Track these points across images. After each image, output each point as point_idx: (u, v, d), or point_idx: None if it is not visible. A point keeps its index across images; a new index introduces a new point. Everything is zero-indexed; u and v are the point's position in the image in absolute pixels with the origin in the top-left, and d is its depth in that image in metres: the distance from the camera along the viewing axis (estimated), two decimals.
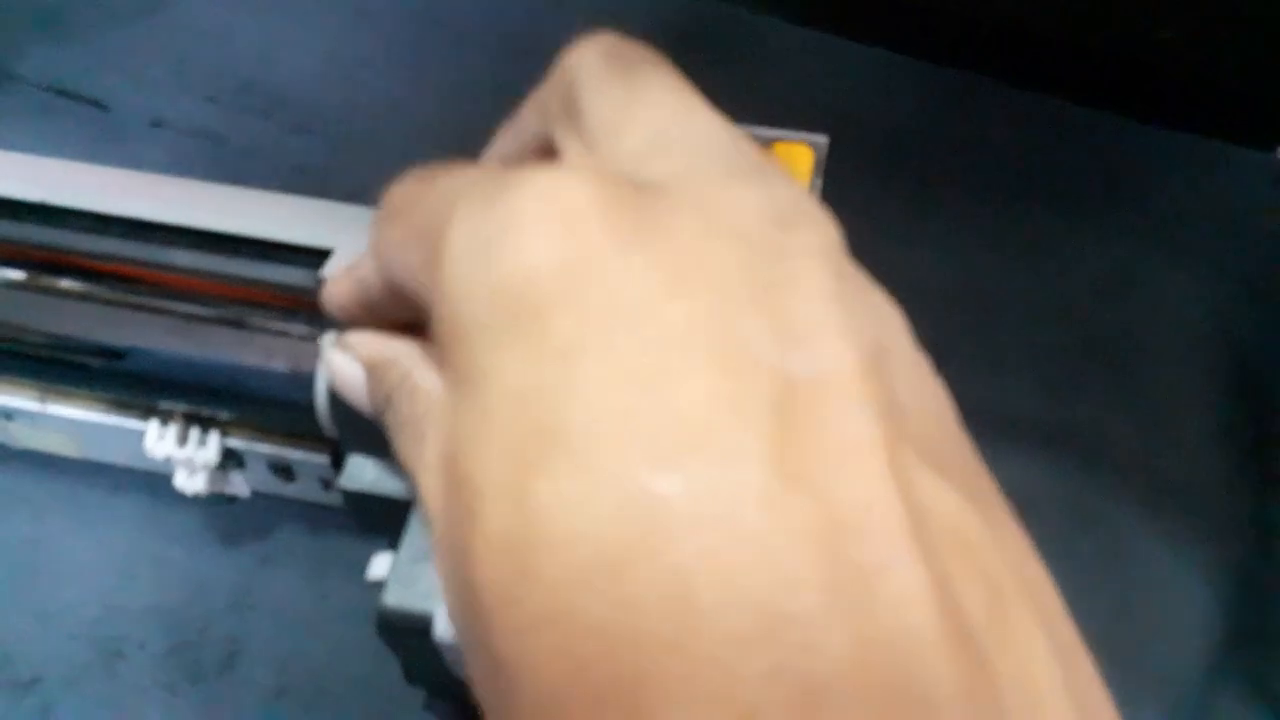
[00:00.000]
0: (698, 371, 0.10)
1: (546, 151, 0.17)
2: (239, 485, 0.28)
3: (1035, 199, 0.40)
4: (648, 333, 0.10)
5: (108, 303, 0.26)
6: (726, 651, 0.09)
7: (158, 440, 0.26)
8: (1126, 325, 0.36)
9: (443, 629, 0.21)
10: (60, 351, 0.26)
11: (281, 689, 0.27)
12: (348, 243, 0.30)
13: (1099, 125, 0.42)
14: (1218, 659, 0.28)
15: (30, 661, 0.27)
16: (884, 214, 0.39)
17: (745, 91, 0.44)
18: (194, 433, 0.26)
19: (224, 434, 0.26)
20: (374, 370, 0.16)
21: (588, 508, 0.10)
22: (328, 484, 0.27)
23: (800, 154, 0.31)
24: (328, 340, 0.24)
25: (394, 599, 0.21)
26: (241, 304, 0.25)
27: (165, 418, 0.27)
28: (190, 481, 0.27)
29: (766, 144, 0.32)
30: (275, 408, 0.25)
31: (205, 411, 0.26)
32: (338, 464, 0.26)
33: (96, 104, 0.41)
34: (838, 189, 0.34)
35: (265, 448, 0.27)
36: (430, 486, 0.13)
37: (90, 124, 0.41)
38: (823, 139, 0.31)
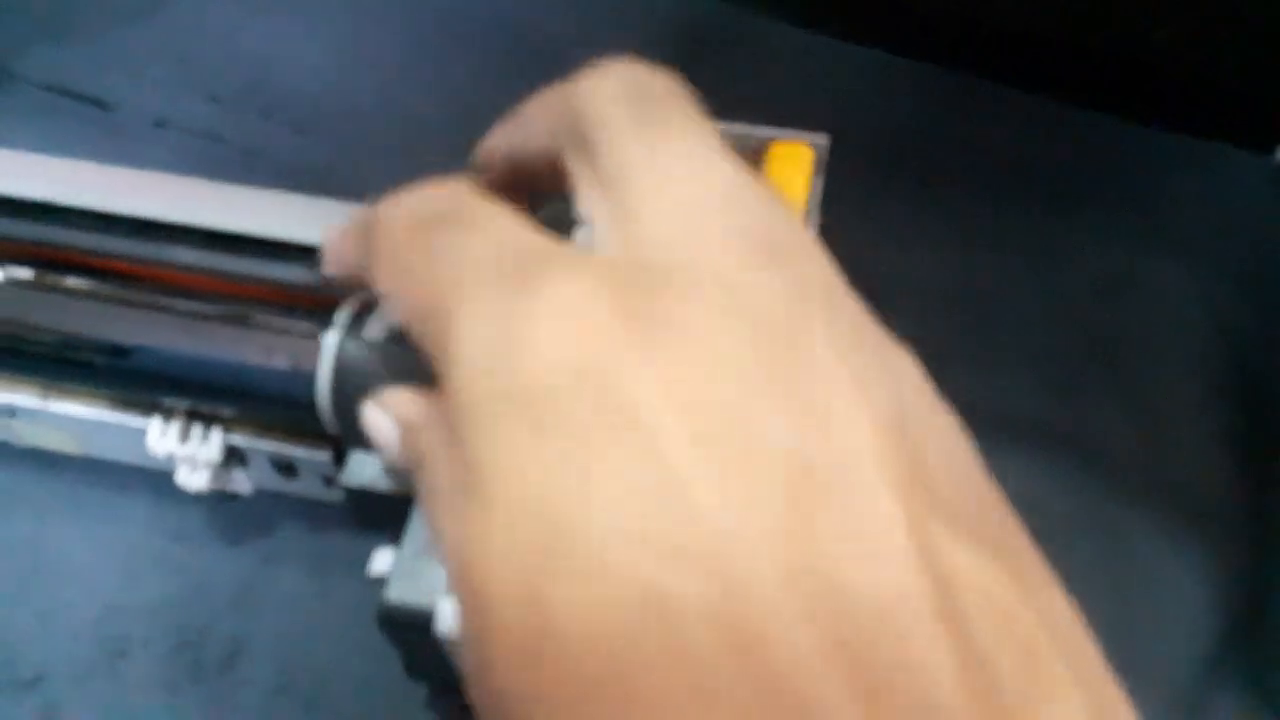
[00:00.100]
0: (711, 469, 0.10)
1: (550, 168, 0.17)
2: (241, 482, 0.28)
3: (1035, 200, 0.40)
4: (661, 436, 0.10)
5: (110, 300, 0.26)
6: None
7: (160, 437, 0.26)
8: (1126, 326, 0.36)
9: (444, 624, 0.21)
10: (62, 349, 0.26)
11: (283, 687, 0.27)
12: None
13: (1099, 127, 0.43)
14: (1217, 657, 0.28)
15: (33, 660, 0.27)
16: (884, 214, 0.39)
17: (746, 92, 0.44)
18: (196, 430, 0.26)
19: (226, 431, 0.27)
20: (408, 432, 0.16)
21: (602, 613, 0.10)
22: (329, 481, 0.27)
23: (801, 154, 0.31)
24: (328, 340, 0.24)
25: (396, 594, 0.21)
26: (243, 301, 0.26)
27: (167, 415, 0.27)
28: (192, 479, 0.27)
29: (767, 144, 0.32)
30: (277, 405, 0.25)
31: (207, 408, 0.27)
32: (340, 460, 0.26)
33: (98, 103, 0.41)
34: (838, 189, 0.34)
35: (267, 444, 0.27)
36: (449, 570, 0.13)
37: (92, 124, 0.41)
38: (823, 139, 0.31)
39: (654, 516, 0.10)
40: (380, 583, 0.22)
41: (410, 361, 0.24)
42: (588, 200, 0.15)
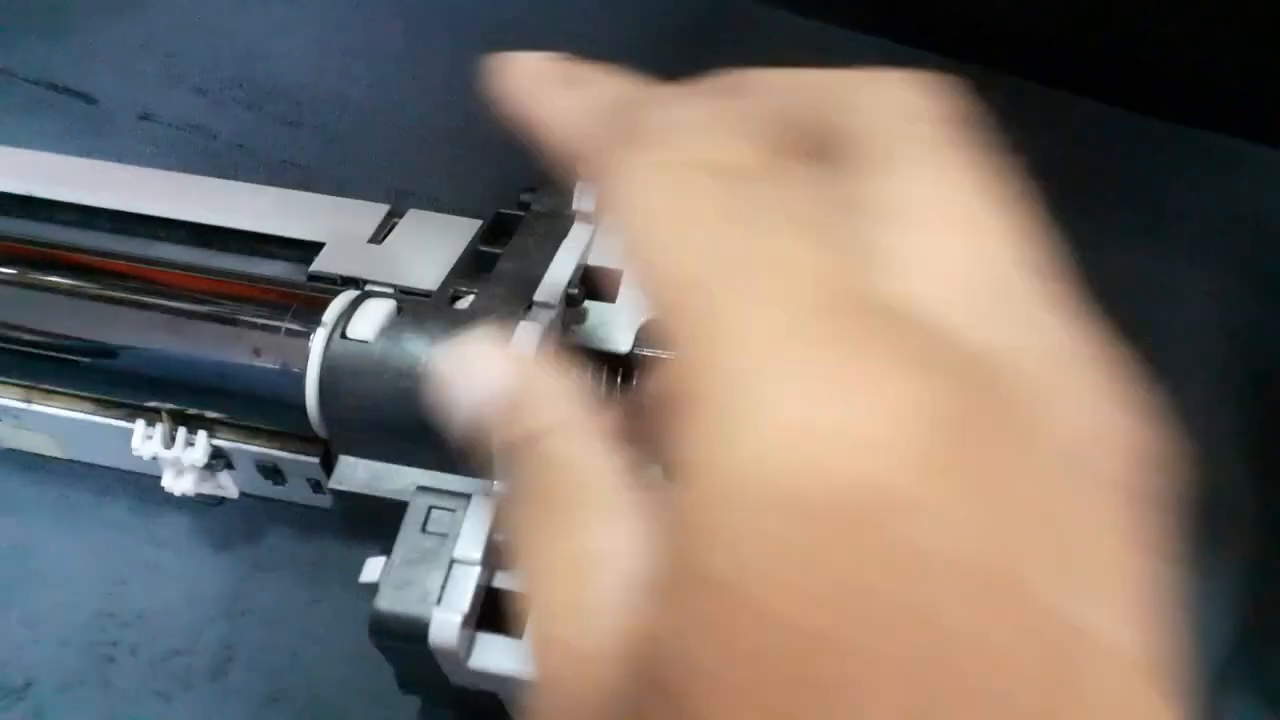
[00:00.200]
0: (972, 605, 0.09)
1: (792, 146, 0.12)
2: (228, 486, 0.27)
3: (1050, 197, 0.39)
4: (941, 573, 0.09)
5: (94, 299, 0.25)
6: None
7: (144, 440, 0.26)
8: (1142, 327, 0.35)
9: (437, 635, 0.21)
10: (46, 349, 0.25)
11: (275, 696, 0.27)
12: (339, 236, 0.29)
13: (1110, 121, 0.42)
14: (1226, 661, 0.28)
15: (22, 667, 0.27)
16: None
17: None
18: (181, 433, 0.26)
19: (212, 434, 0.26)
20: (523, 396, 0.13)
21: None
22: (318, 486, 0.27)
23: None
24: (317, 339, 0.23)
25: (386, 603, 0.21)
26: (230, 299, 0.25)
27: (152, 417, 0.26)
28: (178, 482, 0.26)
29: None
30: (264, 406, 0.25)
31: (193, 410, 0.26)
32: (328, 465, 0.26)
33: (85, 97, 0.41)
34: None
35: (254, 448, 0.26)
36: (560, 632, 0.11)
37: (78, 118, 0.40)
38: None
39: (914, 661, 0.09)
40: (372, 591, 0.21)
41: (405, 362, 0.23)
42: (836, 204, 0.11)
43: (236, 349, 0.24)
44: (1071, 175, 0.40)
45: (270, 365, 0.24)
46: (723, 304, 0.10)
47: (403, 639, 0.21)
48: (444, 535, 0.22)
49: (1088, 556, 0.10)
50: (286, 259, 0.30)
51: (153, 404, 0.26)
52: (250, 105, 0.41)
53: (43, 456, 0.30)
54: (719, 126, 0.12)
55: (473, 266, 0.28)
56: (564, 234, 0.27)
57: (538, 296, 0.25)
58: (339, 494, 0.24)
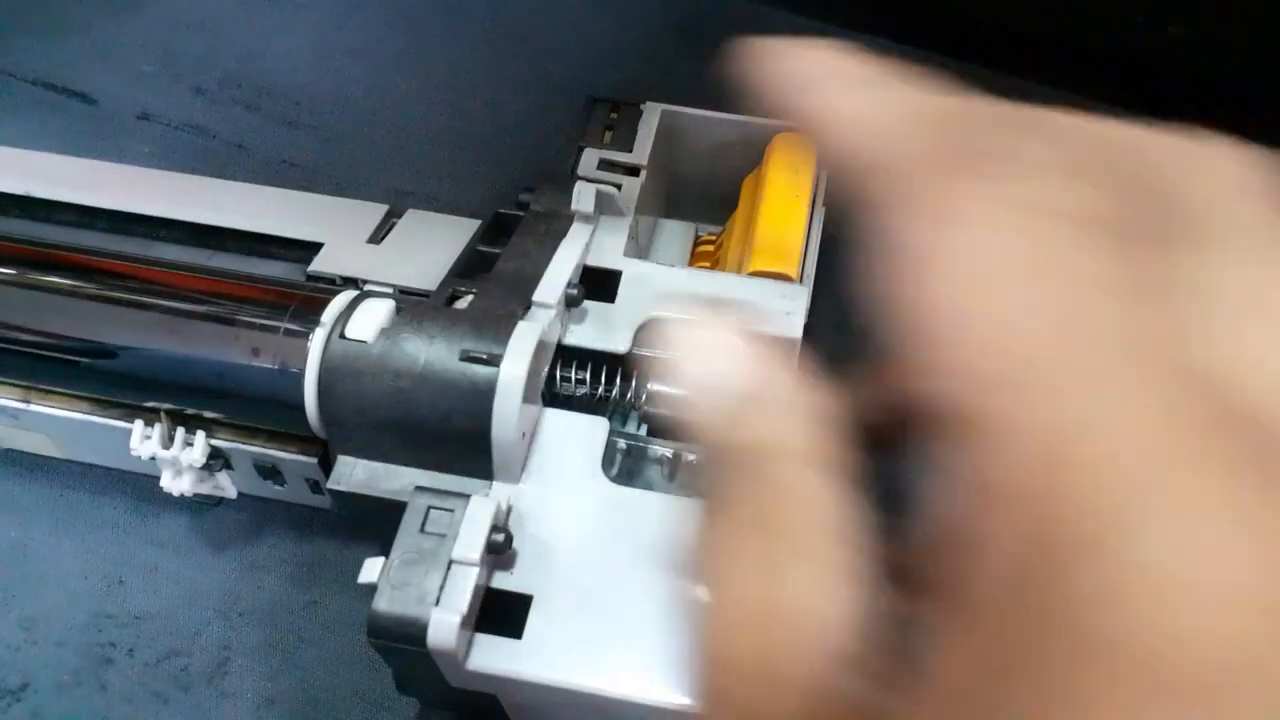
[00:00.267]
0: None
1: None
2: (226, 486, 0.27)
3: None
4: None
5: (93, 299, 0.25)
6: None
7: (143, 440, 0.26)
8: None
9: (436, 636, 0.20)
10: (45, 349, 0.25)
11: (272, 697, 0.27)
12: (338, 236, 0.29)
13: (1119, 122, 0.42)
14: None
15: (19, 668, 0.27)
16: None
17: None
18: (180, 433, 0.26)
19: (210, 434, 0.26)
20: (765, 399, 0.11)
21: None
22: (317, 486, 0.27)
23: (805, 145, 0.30)
24: (316, 339, 0.23)
25: (385, 604, 0.21)
26: (229, 299, 0.25)
27: (150, 417, 0.26)
28: (176, 483, 0.26)
29: (770, 134, 0.31)
30: (263, 406, 0.24)
31: (191, 410, 0.26)
32: (327, 465, 0.26)
33: (83, 98, 0.41)
34: (842, 184, 0.33)
35: (253, 448, 0.26)
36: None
37: (77, 118, 0.40)
38: None
39: None
40: (370, 591, 0.21)
41: (404, 362, 0.23)
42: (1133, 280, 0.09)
43: (235, 349, 0.24)
44: None
45: (269, 365, 0.24)
46: (1092, 399, 0.08)
47: (401, 640, 0.21)
48: (442, 536, 0.22)
49: None
50: (285, 259, 0.30)
51: (151, 404, 0.26)
52: (249, 105, 0.41)
53: (41, 456, 0.30)
54: (1080, 171, 0.10)
55: (472, 266, 0.27)
56: (563, 234, 0.27)
57: (537, 296, 0.25)
58: (337, 494, 0.24)
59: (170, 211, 0.30)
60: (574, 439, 0.24)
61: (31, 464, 0.30)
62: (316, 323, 0.24)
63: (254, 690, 0.27)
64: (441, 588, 0.21)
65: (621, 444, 0.25)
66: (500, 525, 0.22)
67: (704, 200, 0.33)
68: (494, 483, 0.23)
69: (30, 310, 0.25)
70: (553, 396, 0.26)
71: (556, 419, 0.25)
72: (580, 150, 0.30)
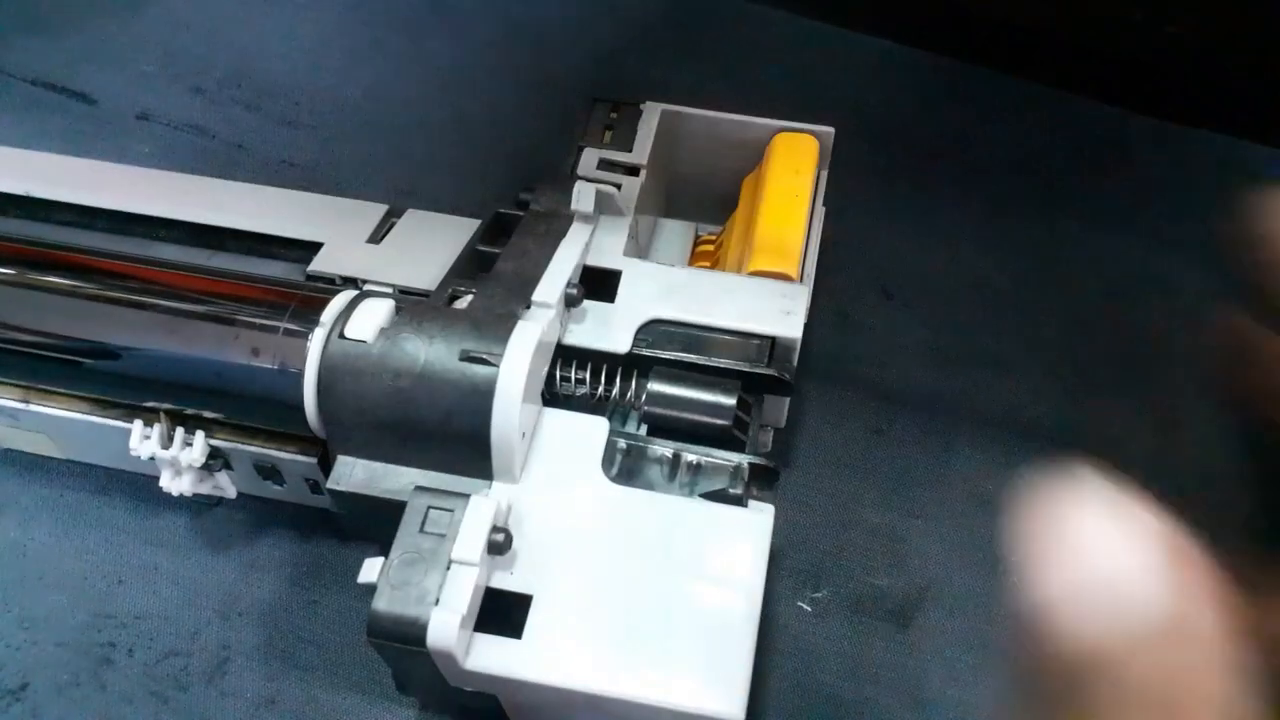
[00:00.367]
0: None
1: None
2: (225, 486, 0.27)
3: (1048, 195, 0.39)
4: None
5: (92, 299, 0.25)
6: None
7: (142, 440, 0.26)
8: (1140, 325, 0.35)
9: (435, 636, 0.20)
10: (43, 349, 0.25)
11: (272, 697, 0.27)
12: (337, 236, 0.29)
13: (1113, 121, 0.42)
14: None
15: (18, 668, 0.27)
16: (891, 209, 0.39)
17: (750, 83, 0.43)
18: (179, 433, 0.26)
19: (210, 434, 0.26)
20: None
21: None
22: (316, 486, 0.27)
23: (805, 145, 0.31)
24: (315, 339, 0.23)
25: (384, 603, 0.21)
26: (228, 299, 0.25)
27: (150, 417, 0.26)
28: (175, 483, 0.26)
29: (771, 135, 0.31)
30: (262, 406, 0.24)
31: (190, 410, 0.26)
32: (326, 465, 0.25)
33: (82, 97, 0.41)
34: (844, 182, 0.33)
35: (252, 448, 0.26)
36: None
37: (75, 117, 0.40)
38: (828, 130, 0.31)
39: None
40: (370, 591, 0.21)
41: (404, 362, 0.23)
42: None
43: (234, 349, 0.24)
44: (1071, 174, 0.40)
45: (268, 365, 0.24)
46: None
47: (400, 640, 0.21)
48: (442, 535, 0.22)
49: None
50: (285, 259, 0.30)
51: (150, 404, 0.26)
52: (249, 105, 0.41)
53: (41, 456, 0.30)
54: None
55: (471, 266, 0.27)
56: (563, 233, 0.27)
57: (537, 296, 0.25)
58: (337, 494, 0.24)
59: (170, 211, 0.30)
60: (574, 439, 0.24)
61: (31, 464, 0.30)
62: (316, 322, 0.24)
63: (254, 690, 0.27)
64: (441, 587, 0.21)
65: (621, 444, 0.25)
66: (500, 525, 0.22)
67: (704, 200, 0.33)
68: (494, 482, 0.23)
69: (30, 310, 0.25)
70: (553, 396, 0.26)
71: (556, 419, 0.25)
72: (580, 150, 0.30)
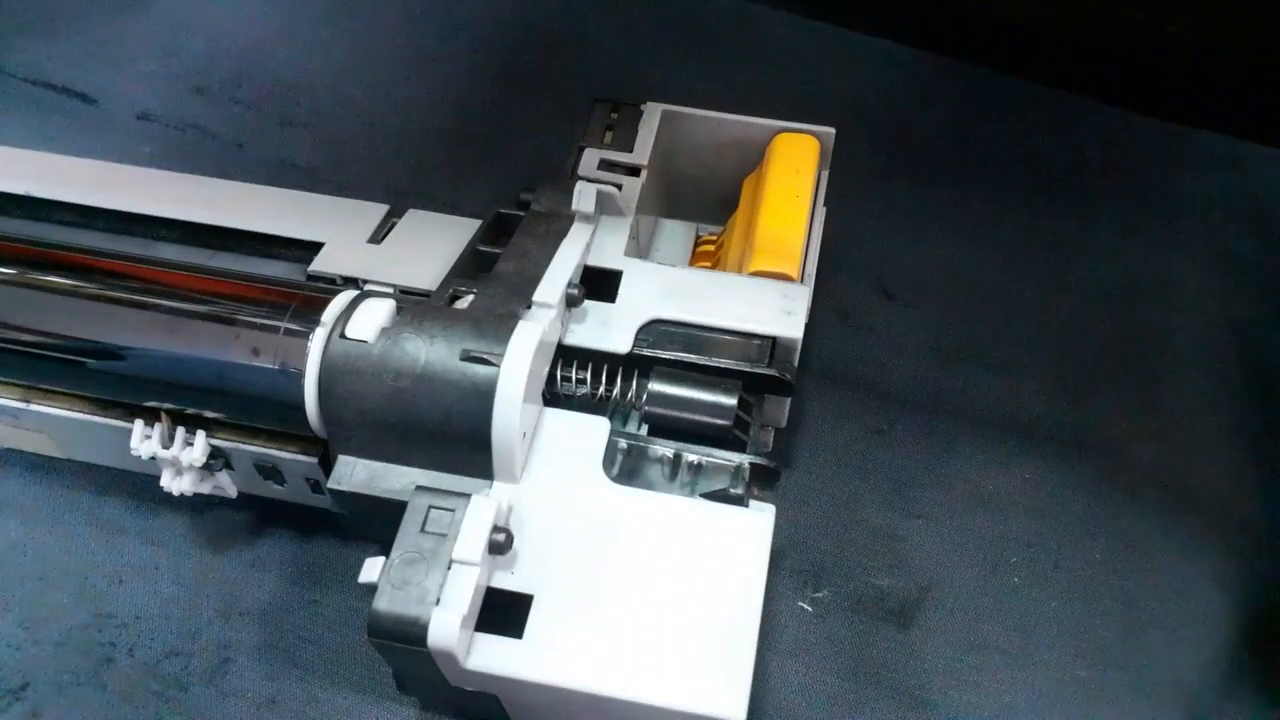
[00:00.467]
0: None
1: None
2: (226, 486, 0.27)
3: (1050, 195, 0.39)
4: None
5: (93, 299, 0.25)
6: None
7: (143, 440, 0.26)
8: (1141, 325, 0.36)
9: (436, 635, 0.21)
10: (45, 349, 0.25)
11: (272, 697, 0.27)
12: (338, 236, 0.29)
13: (1114, 121, 0.42)
14: (1233, 666, 0.28)
15: (20, 668, 0.27)
16: (892, 209, 0.39)
17: (751, 83, 0.43)
18: (180, 432, 0.26)
19: (210, 434, 0.26)
20: None
21: None
22: (317, 485, 0.27)
23: (806, 145, 0.31)
24: (316, 339, 0.23)
25: (385, 603, 0.21)
26: (229, 299, 0.25)
27: (150, 417, 0.26)
28: (176, 482, 0.26)
29: (772, 135, 0.31)
30: (263, 406, 0.24)
31: (191, 410, 0.26)
32: (327, 465, 0.25)
33: (83, 97, 0.41)
34: (844, 182, 0.33)
35: (253, 448, 0.26)
36: None
37: (77, 117, 0.40)
38: (829, 131, 0.31)
39: None
40: (371, 591, 0.21)
41: (405, 362, 0.23)
42: None
43: (235, 349, 0.24)
44: (1071, 174, 0.40)
45: (269, 365, 0.24)
46: None
47: (401, 639, 0.21)
48: (443, 535, 0.22)
49: None
50: (285, 259, 0.30)
51: (151, 404, 0.26)
52: (249, 105, 0.41)
53: (41, 456, 0.30)
54: None
55: (472, 266, 0.28)
56: (564, 234, 0.27)
57: (537, 296, 0.25)
58: (338, 494, 0.24)
59: (170, 211, 0.30)
60: (574, 439, 0.24)
61: (32, 464, 0.30)
62: (317, 322, 0.24)
63: (254, 690, 0.27)
64: (442, 587, 0.21)
65: (621, 444, 0.25)
66: (501, 525, 0.22)
67: (704, 200, 0.33)
68: (494, 482, 0.24)
69: (31, 310, 0.25)
70: (553, 396, 0.26)
71: (557, 419, 0.25)
72: (580, 150, 0.30)
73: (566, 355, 0.26)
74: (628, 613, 0.22)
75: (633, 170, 0.30)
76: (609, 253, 0.28)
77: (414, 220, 0.30)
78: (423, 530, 0.22)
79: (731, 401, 0.25)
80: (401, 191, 0.37)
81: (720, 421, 0.25)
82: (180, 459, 0.26)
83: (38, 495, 0.30)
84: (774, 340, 0.26)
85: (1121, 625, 0.28)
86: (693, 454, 0.25)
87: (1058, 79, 0.43)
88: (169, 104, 0.41)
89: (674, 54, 0.43)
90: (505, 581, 0.22)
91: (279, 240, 0.30)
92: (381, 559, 0.22)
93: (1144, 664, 0.28)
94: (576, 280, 0.26)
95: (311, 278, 0.28)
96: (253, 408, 0.25)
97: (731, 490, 0.24)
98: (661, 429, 0.25)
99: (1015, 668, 0.27)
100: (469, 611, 0.21)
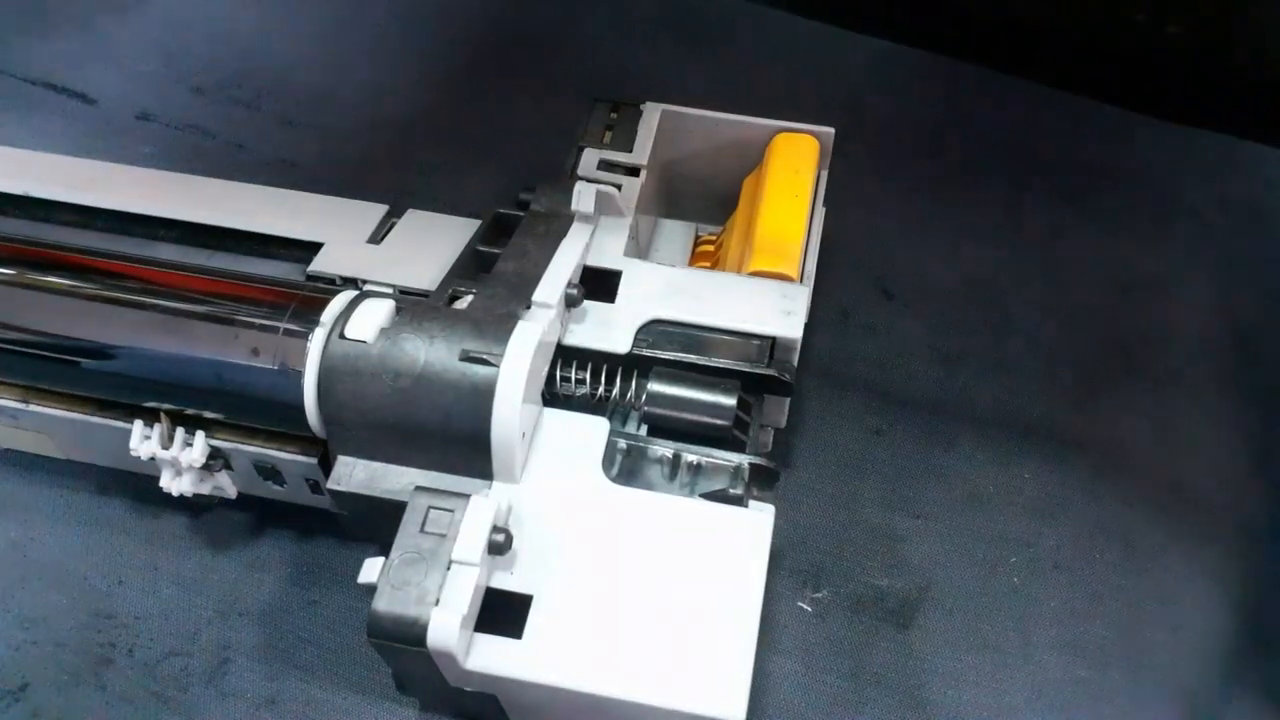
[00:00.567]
0: None
1: None
2: (226, 486, 0.27)
3: (1051, 195, 0.39)
4: None
5: (93, 299, 0.25)
6: None
7: (143, 440, 0.26)
8: (1143, 325, 0.36)
9: (436, 636, 0.21)
10: (45, 349, 0.25)
11: (272, 697, 0.27)
12: (337, 236, 0.29)
13: (1115, 121, 0.42)
14: (1233, 666, 0.28)
15: (19, 668, 0.27)
16: (891, 209, 0.39)
17: (751, 83, 0.43)
18: (179, 433, 0.26)
19: (210, 434, 0.26)
20: None
21: None
22: (316, 486, 0.27)
23: (805, 145, 0.31)
24: (315, 339, 0.23)
25: (384, 604, 0.21)
26: (229, 299, 0.25)
27: (150, 417, 0.26)
28: (176, 482, 0.26)
29: (772, 135, 0.31)
30: (263, 406, 0.24)
31: (191, 411, 0.26)
32: (326, 465, 0.25)
33: (83, 98, 0.41)
34: (844, 182, 0.33)
35: (252, 448, 0.26)
36: None
37: (75, 117, 0.40)
38: (828, 130, 0.31)
39: None
40: (370, 591, 0.21)
41: (404, 362, 0.23)
42: None
43: (235, 349, 0.24)
44: (1071, 174, 0.40)
45: (268, 365, 0.24)
46: None
47: (401, 640, 0.21)
48: (442, 536, 0.22)
49: None
50: (285, 259, 0.30)
51: (151, 404, 0.26)
52: (249, 105, 0.41)
53: (41, 456, 0.30)
54: None
55: (472, 266, 0.27)
56: (563, 234, 0.27)
57: (537, 296, 0.25)
58: (337, 494, 0.24)
59: (169, 211, 0.30)
60: (574, 439, 0.24)
61: (31, 464, 0.30)
62: (316, 323, 0.24)
63: (254, 690, 0.27)
64: (441, 588, 0.21)
65: (621, 444, 0.25)
66: (500, 525, 0.22)
67: (704, 200, 0.33)
68: (494, 483, 0.24)
69: (30, 310, 0.25)
70: (552, 396, 0.26)
71: (556, 419, 0.25)
72: (580, 150, 0.30)
73: (566, 355, 0.26)
74: (627, 613, 0.22)
75: (632, 170, 0.30)
76: (608, 253, 0.28)
77: (414, 220, 0.30)
78: (422, 530, 0.22)
79: (731, 401, 0.25)
80: (401, 191, 0.37)
81: (719, 421, 0.25)
82: (180, 459, 0.26)
83: (37, 495, 0.30)
84: (773, 340, 0.26)
85: (1121, 625, 0.28)
86: (692, 454, 0.25)
87: (1058, 79, 0.43)
88: (169, 104, 0.41)
89: (674, 54, 0.43)
90: (505, 582, 0.22)
91: (278, 240, 0.30)
92: (381, 559, 0.22)
93: (1144, 664, 0.28)
94: (576, 280, 0.26)
95: (311, 278, 0.28)
96: (252, 408, 0.25)
97: (731, 490, 0.24)
98: (661, 429, 0.25)
99: (1015, 668, 0.27)
100: (468, 612, 0.21)
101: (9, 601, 0.28)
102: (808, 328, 0.27)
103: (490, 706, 0.23)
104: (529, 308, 0.25)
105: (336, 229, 0.30)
